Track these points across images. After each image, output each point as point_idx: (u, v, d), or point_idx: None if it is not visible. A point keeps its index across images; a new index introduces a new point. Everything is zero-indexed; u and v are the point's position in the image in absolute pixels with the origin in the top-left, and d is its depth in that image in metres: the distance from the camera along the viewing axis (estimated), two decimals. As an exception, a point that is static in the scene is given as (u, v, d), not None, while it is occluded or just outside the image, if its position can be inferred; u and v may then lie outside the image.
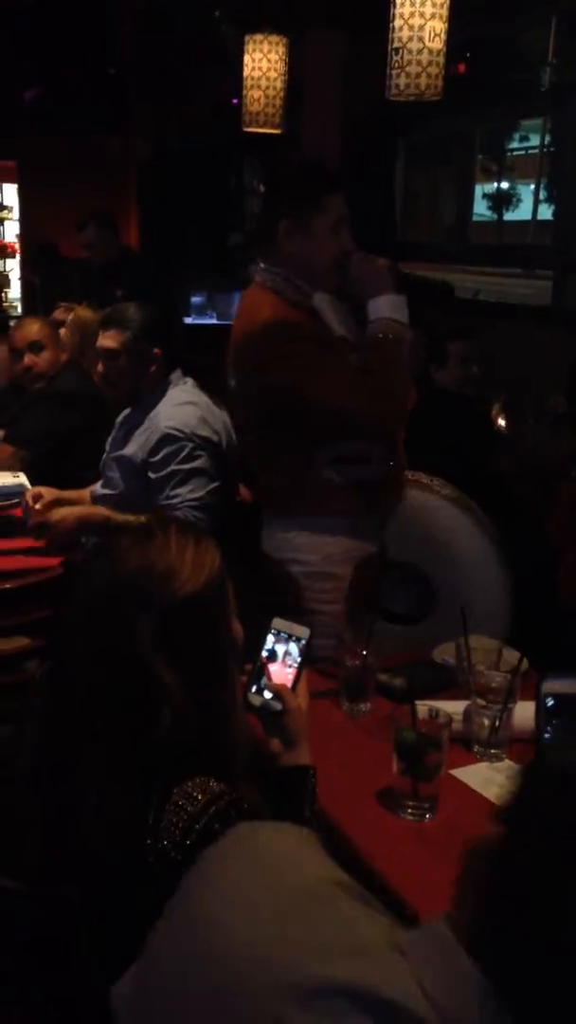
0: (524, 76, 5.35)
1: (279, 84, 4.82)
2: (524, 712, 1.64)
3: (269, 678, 1.40)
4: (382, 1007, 0.69)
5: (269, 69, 4.80)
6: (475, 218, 7.70)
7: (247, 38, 4.78)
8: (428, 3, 3.61)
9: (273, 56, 4.78)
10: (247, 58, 4.78)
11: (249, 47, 4.77)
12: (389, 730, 1.49)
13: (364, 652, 1.76)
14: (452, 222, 6.42)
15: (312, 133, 6.18)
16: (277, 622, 1.45)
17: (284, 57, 4.80)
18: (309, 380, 2.07)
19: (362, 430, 2.17)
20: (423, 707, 1.51)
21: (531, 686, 1.64)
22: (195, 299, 6.23)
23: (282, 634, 1.44)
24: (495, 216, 10.25)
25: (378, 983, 0.70)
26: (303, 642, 1.43)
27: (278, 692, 1.38)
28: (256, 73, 4.81)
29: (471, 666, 1.71)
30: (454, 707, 1.64)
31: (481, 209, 9.38)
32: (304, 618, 1.52)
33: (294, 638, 1.44)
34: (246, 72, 4.80)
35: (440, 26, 3.65)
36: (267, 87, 4.83)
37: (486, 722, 1.61)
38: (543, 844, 0.69)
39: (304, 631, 1.44)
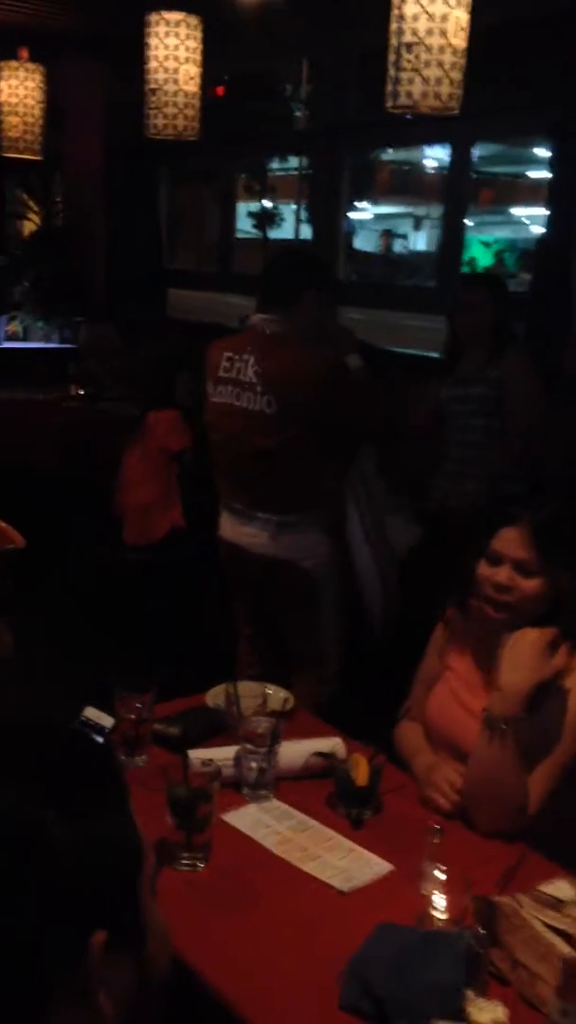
0: (280, 112, 5.60)
1: (37, 111, 4.80)
2: (288, 751, 1.78)
3: None
4: None
5: (26, 96, 4.77)
6: (239, 234, 7.90)
7: (1, 64, 4.72)
8: (182, 47, 3.72)
9: (30, 83, 4.76)
10: (3, 84, 4.73)
11: (4, 73, 4.72)
12: (163, 780, 1.58)
13: (139, 705, 1.84)
14: (216, 247, 6.57)
15: (75, 159, 6.17)
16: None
17: (41, 84, 4.78)
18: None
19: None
20: (196, 759, 1.62)
21: (296, 725, 1.78)
22: (-41, 322, 6.07)
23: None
24: (260, 234, 10.60)
25: None
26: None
27: None
28: (13, 99, 4.76)
29: (239, 712, 1.83)
30: (225, 753, 1.75)
31: (246, 227, 9.67)
32: None
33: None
34: (2, 98, 4.74)
35: (195, 69, 3.78)
36: (25, 114, 4.80)
37: (253, 766, 1.73)
38: None
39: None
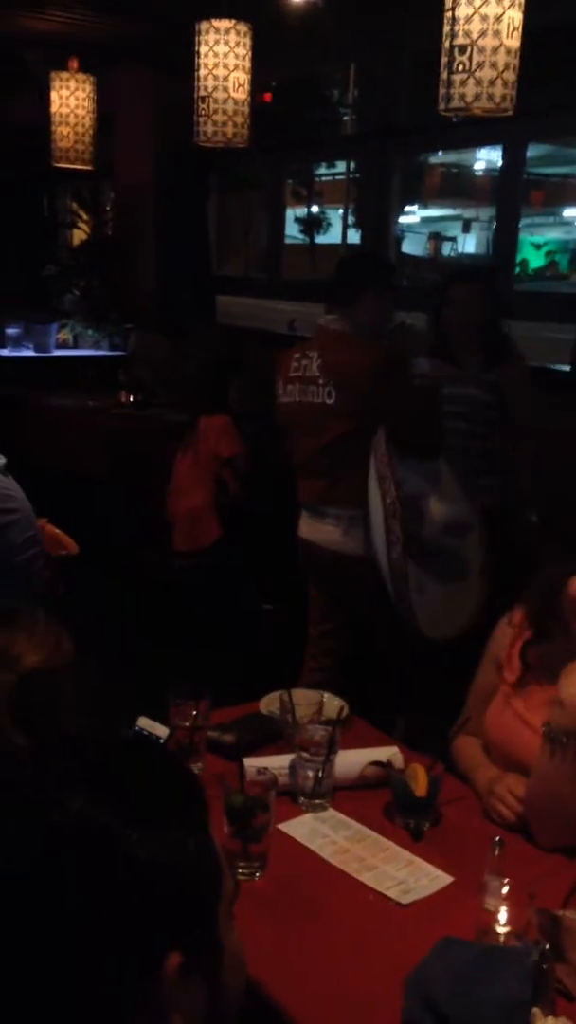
0: (328, 117, 5.60)
1: (88, 122, 4.84)
2: (345, 760, 1.76)
3: None
4: None
5: (77, 106, 4.81)
6: (287, 240, 7.91)
7: (53, 75, 4.77)
8: (232, 55, 3.73)
9: (80, 94, 4.80)
10: (54, 95, 4.77)
11: (55, 84, 4.76)
12: (219, 789, 1.57)
13: (194, 712, 1.83)
14: (264, 254, 6.59)
15: (124, 168, 6.22)
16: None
17: (92, 95, 4.82)
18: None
19: None
20: (251, 767, 1.61)
21: (353, 734, 1.76)
22: (10, 331, 6.13)
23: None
24: (307, 239, 10.59)
25: None
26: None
27: None
28: (64, 110, 4.81)
29: (295, 720, 1.81)
30: (280, 761, 1.74)
31: (293, 232, 9.67)
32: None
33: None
34: (53, 108, 4.79)
35: (244, 76, 3.78)
36: (75, 124, 4.84)
37: (310, 774, 1.71)
38: None
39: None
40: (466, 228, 9.25)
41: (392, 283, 3.10)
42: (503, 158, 4.58)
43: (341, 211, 8.10)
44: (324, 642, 3.05)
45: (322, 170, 8.30)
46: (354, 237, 6.84)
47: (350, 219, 7.41)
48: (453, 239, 8.74)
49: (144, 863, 0.72)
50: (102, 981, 0.70)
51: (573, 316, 3.85)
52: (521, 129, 4.32)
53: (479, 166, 7.47)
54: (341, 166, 7.55)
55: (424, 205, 8.61)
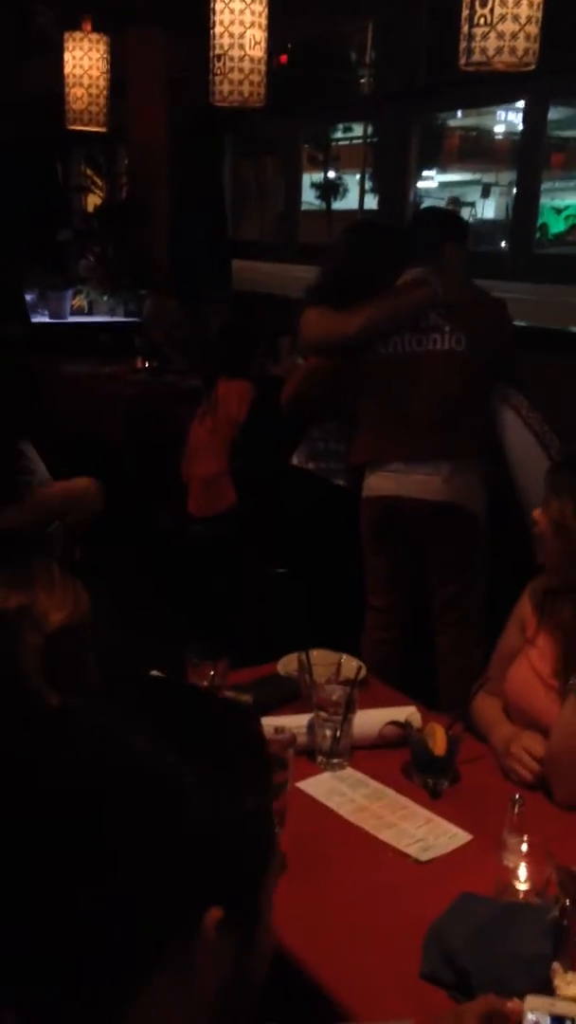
0: (345, 78, 5.51)
1: (102, 83, 4.78)
2: (363, 720, 1.75)
3: None
4: None
5: (91, 67, 4.75)
6: (304, 207, 7.82)
7: (66, 35, 4.71)
8: (248, 11, 3.67)
9: (94, 54, 4.74)
10: (67, 55, 4.72)
11: (69, 44, 4.71)
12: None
13: (212, 672, 1.83)
14: (280, 218, 6.51)
15: (138, 131, 6.15)
16: None
17: (106, 55, 4.76)
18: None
19: None
20: (269, 726, 1.60)
21: (370, 695, 1.75)
22: (27, 297, 6.10)
23: None
24: (324, 205, 10.47)
25: None
26: None
27: None
28: (78, 71, 4.75)
29: (312, 680, 1.81)
30: (298, 721, 1.74)
31: (309, 198, 9.56)
32: None
33: None
34: (67, 70, 4.73)
35: (260, 34, 3.72)
36: (90, 85, 4.78)
37: (328, 733, 1.71)
38: None
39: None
40: (485, 193, 9.13)
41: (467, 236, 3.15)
42: (524, 120, 4.49)
43: (358, 176, 7.97)
44: (392, 610, 2.96)
45: (339, 134, 8.17)
46: (371, 203, 6.74)
47: (367, 184, 7.29)
48: (472, 204, 8.65)
49: (197, 811, 0.72)
50: (131, 920, 0.70)
51: None
52: (542, 90, 4.24)
53: (499, 129, 7.38)
54: (359, 130, 7.43)
55: (443, 170, 8.52)
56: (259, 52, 3.72)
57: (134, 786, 0.71)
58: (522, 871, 1.36)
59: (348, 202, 9.54)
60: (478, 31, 2.72)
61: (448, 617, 2.87)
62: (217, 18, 3.66)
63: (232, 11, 3.67)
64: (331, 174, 9.27)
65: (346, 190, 9.73)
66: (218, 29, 3.67)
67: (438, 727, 1.64)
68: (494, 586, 2.80)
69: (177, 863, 0.71)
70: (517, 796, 1.47)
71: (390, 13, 5.20)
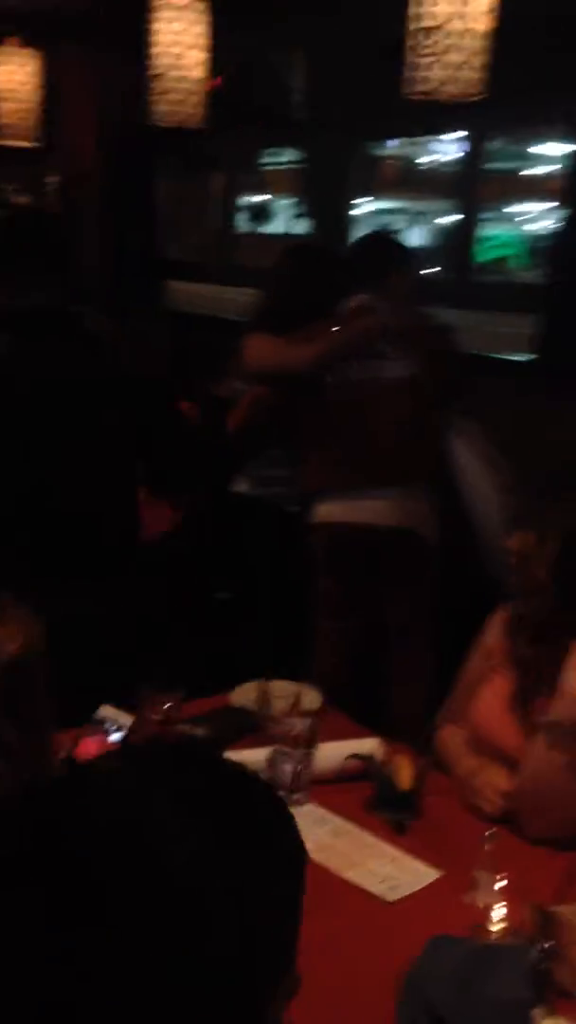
0: (278, 103, 5.52)
1: (33, 98, 4.71)
2: (324, 754, 1.71)
3: None
4: None
5: (23, 82, 4.68)
6: (237, 229, 7.79)
7: (-2, 49, 4.62)
8: (188, 32, 3.65)
9: (27, 69, 4.66)
10: (-1, 69, 4.63)
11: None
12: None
13: (168, 705, 1.77)
14: (214, 240, 6.49)
15: (70, 146, 6.07)
16: None
17: (38, 71, 4.69)
18: None
19: None
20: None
21: (328, 726, 1.71)
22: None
23: None
24: (255, 228, 10.49)
25: None
26: None
27: None
28: (9, 85, 4.67)
29: (271, 713, 1.76)
30: (256, 756, 1.68)
31: (240, 220, 9.56)
32: None
33: None
34: (-2, 84, 4.64)
35: (201, 55, 3.70)
36: (20, 100, 4.71)
37: (288, 768, 1.66)
38: None
39: None
40: (413, 222, 9.27)
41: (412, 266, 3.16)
42: (464, 150, 4.57)
43: (289, 201, 7.98)
44: (344, 638, 2.91)
45: (270, 159, 8.19)
46: (300, 228, 6.76)
47: (298, 210, 7.31)
48: (399, 231, 8.75)
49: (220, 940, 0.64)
50: None
51: (527, 306, 3.85)
52: (481, 120, 4.31)
53: (428, 159, 7.49)
54: (290, 155, 7.45)
55: (376, 197, 8.60)
56: (199, 73, 3.70)
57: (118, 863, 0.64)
58: (496, 911, 1.33)
59: (276, 226, 9.58)
60: (423, 61, 2.73)
61: (400, 641, 2.86)
62: (156, 38, 3.62)
63: (172, 31, 3.65)
64: (262, 198, 9.29)
65: (275, 214, 9.77)
66: (156, 49, 3.63)
67: (404, 760, 1.60)
68: (446, 610, 2.79)
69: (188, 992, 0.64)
70: (489, 832, 1.44)
71: (327, 40, 5.24)
